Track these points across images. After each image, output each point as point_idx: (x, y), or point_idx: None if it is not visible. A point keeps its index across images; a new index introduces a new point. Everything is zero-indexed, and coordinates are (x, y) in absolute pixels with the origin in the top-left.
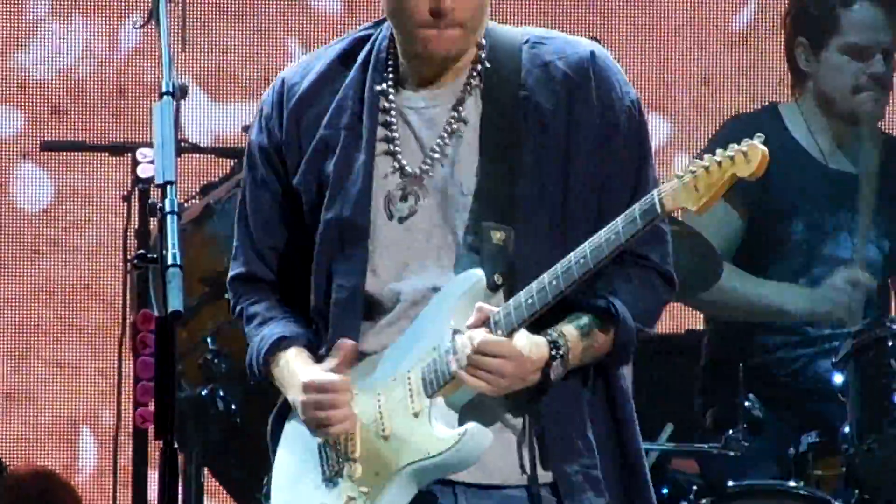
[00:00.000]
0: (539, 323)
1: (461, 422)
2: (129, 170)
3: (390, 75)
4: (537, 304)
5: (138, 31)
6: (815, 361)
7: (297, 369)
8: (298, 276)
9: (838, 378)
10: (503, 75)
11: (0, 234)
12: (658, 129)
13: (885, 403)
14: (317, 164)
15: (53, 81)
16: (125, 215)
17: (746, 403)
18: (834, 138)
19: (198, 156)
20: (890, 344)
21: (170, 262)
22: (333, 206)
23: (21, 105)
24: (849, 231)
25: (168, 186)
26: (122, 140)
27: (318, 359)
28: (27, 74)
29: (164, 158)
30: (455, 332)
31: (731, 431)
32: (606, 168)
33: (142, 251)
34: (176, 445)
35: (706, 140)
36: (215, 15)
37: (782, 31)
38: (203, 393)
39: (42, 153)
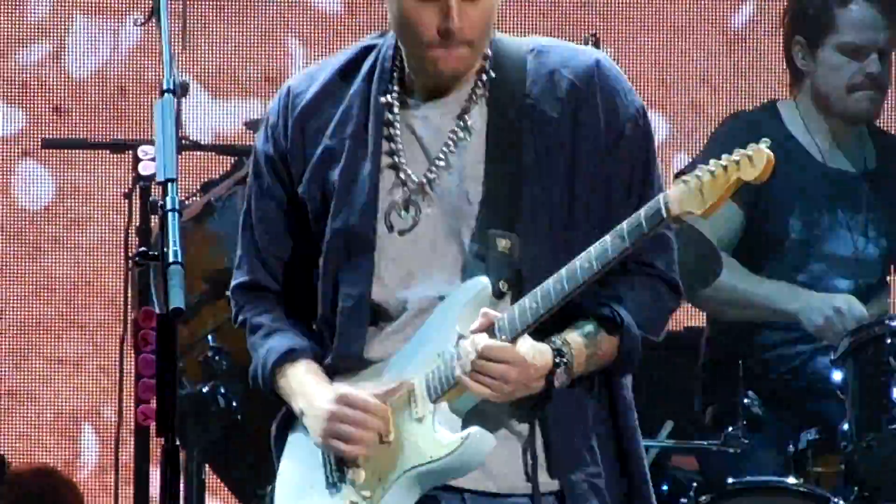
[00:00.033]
0: (543, 331)
1: (465, 428)
2: (130, 167)
3: (395, 85)
4: (542, 308)
5: (139, 28)
6: (815, 358)
7: (308, 381)
8: (303, 285)
9: (837, 375)
10: (508, 84)
11: (1, 232)
12: (657, 129)
13: (884, 401)
14: (321, 173)
15: (54, 79)
16: (126, 213)
17: (746, 401)
18: (832, 137)
19: (198, 153)
20: (888, 341)
21: (171, 259)
22: (339, 215)
23: (22, 103)
24: (847, 229)
25: (169, 184)
26: (123, 138)
27: (325, 368)
28: (28, 72)
29: (165, 156)
30: (460, 337)
31: (730, 428)
32: (612, 176)
33: (143, 249)
34: (177, 442)
35: (705, 139)
36: (216, 13)
37: (781, 31)
38: (204, 390)
39: (43, 151)
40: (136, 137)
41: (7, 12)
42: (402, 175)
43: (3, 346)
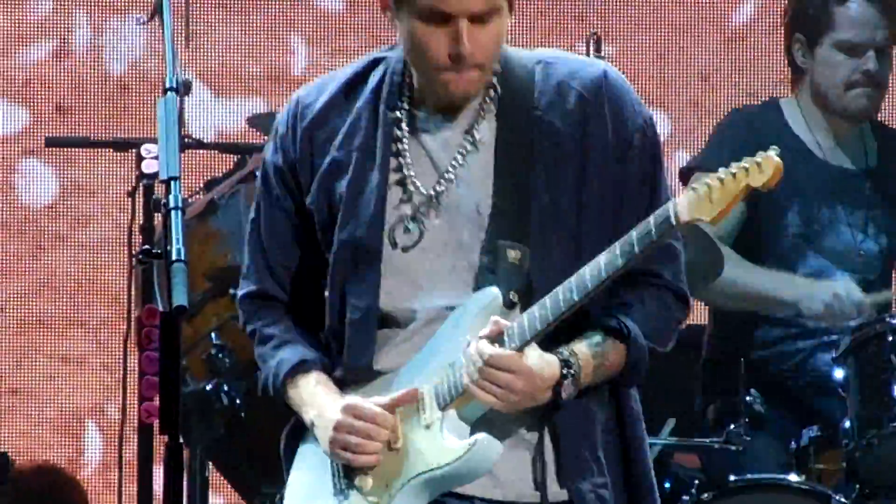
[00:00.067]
0: (551, 342)
1: (473, 435)
2: (134, 165)
3: (405, 97)
4: (550, 316)
5: (142, 27)
6: (816, 354)
7: (318, 392)
8: (310, 295)
9: (839, 373)
10: (517, 96)
11: (5, 230)
12: (657, 126)
13: (885, 398)
14: (329, 184)
15: (57, 77)
16: (129, 211)
17: (748, 398)
18: (833, 134)
19: (201, 151)
20: (890, 339)
21: (174, 257)
22: (347, 226)
23: (25, 101)
24: (847, 225)
25: (172, 182)
26: (126, 136)
27: (335, 380)
28: (32, 71)
29: (168, 154)
30: (469, 344)
31: (732, 426)
32: (620, 186)
33: (146, 247)
34: (181, 440)
35: (705, 137)
36: (219, 11)
37: (781, 29)
38: (207, 388)
39: (46, 149)
40: (140, 136)
41: (10, 11)
42: (410, 188)
43: (7, 344)
